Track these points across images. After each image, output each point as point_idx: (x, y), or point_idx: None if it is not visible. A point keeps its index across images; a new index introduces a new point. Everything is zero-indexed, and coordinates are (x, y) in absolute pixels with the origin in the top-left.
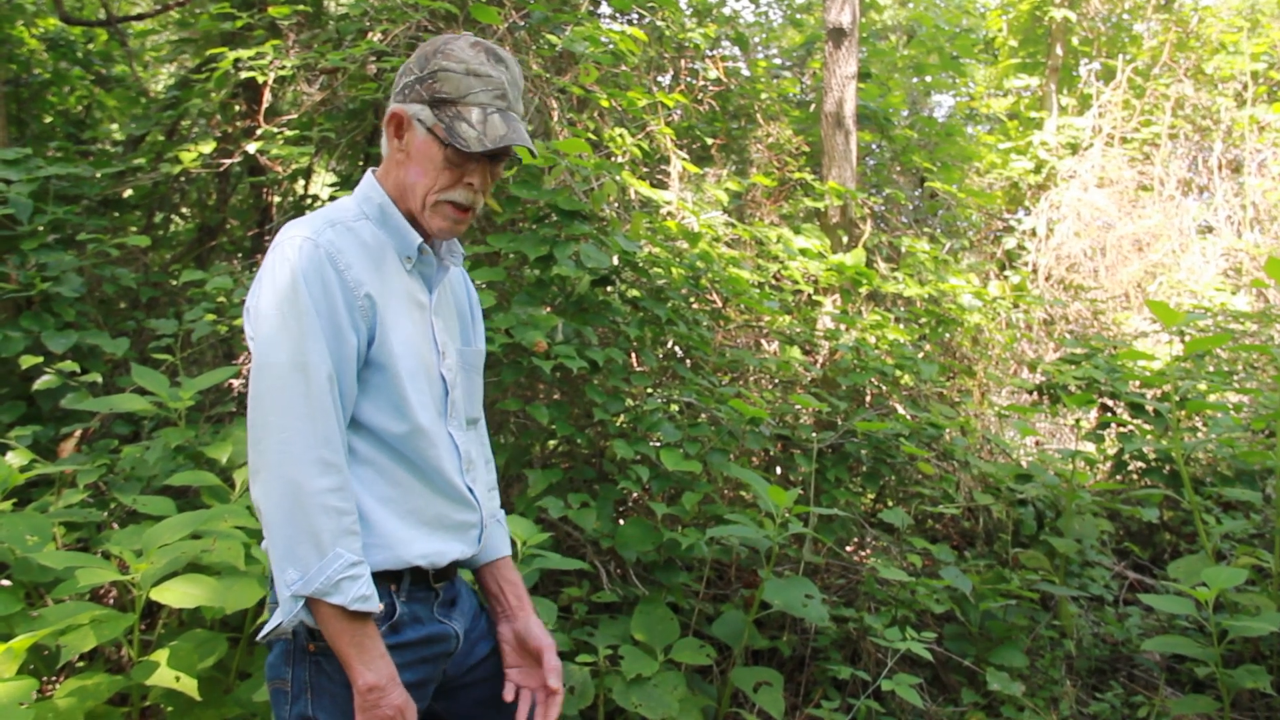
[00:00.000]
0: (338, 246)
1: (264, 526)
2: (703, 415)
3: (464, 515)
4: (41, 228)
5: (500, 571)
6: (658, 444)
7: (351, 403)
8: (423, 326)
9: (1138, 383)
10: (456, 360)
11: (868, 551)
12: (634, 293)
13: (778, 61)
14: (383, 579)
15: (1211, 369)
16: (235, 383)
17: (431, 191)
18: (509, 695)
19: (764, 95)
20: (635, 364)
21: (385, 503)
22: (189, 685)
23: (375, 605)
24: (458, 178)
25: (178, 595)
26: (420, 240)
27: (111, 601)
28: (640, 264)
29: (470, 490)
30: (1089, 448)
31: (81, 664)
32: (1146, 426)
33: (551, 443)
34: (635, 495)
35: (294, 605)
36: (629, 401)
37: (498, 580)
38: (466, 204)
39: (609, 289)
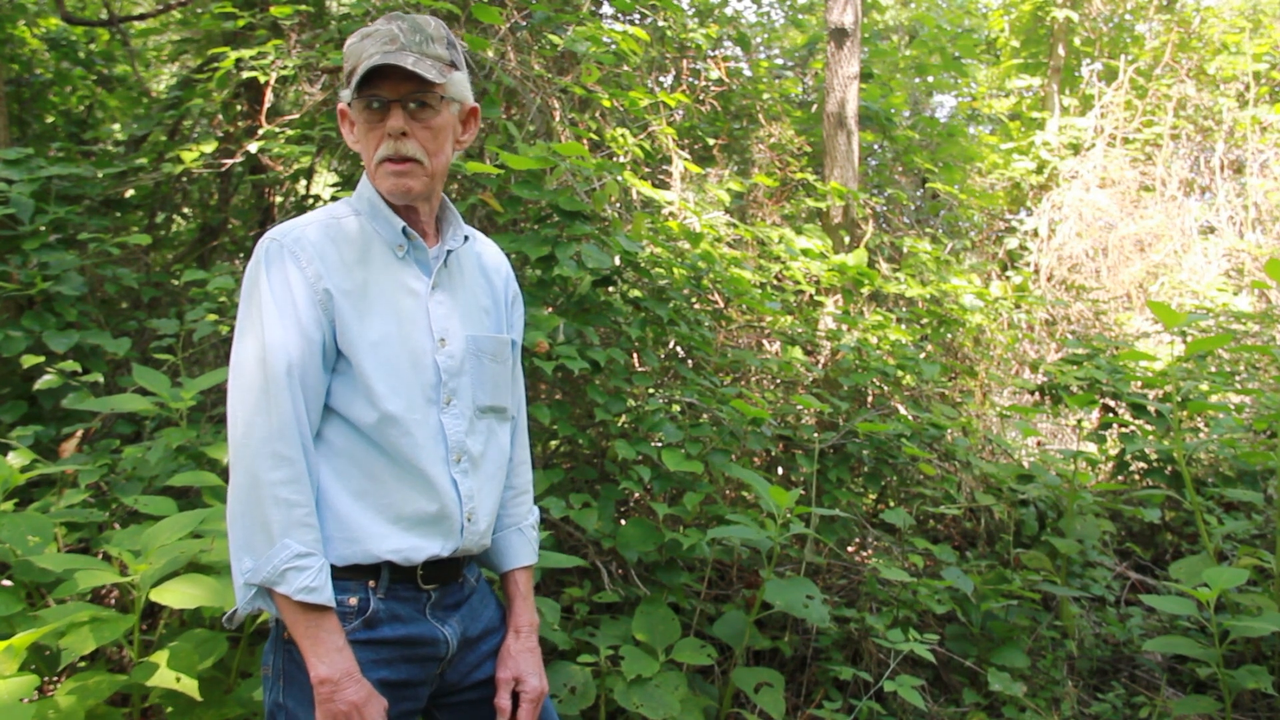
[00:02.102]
0: (300, 244)
1: (227, 516)
2: (704, 415)
3: (439, 509)
4: (43, 227)
5: (508, 586)
6: (659, 444)
7: (320, 395)
8: (415, 313)
9: (1139, 383)
10: (464, 347)
11: (869, 552)
12: (636, 293)
13: (780, 62)
14: (357, 573)
15: (1213, 369)
16: None
17: (371, 161)
18: None
19: (766, 95)
20: (637, 364)
21: (359, 497)
22: (189, 686)
23: (324, 598)
24: (381, 135)
25: (177, 596)
26: (403, 224)
27: (113, 602)
28: (642, 264)
29: (455, 483)
30: (1091, 448)
31: (83, 664)
32: (1148, 427)
33: (553, 443)
34: (637, 495)
35: (247, 593)
36: (630, 402)
37: (506, 593)
38: (394, 155)
39: (611, 289)
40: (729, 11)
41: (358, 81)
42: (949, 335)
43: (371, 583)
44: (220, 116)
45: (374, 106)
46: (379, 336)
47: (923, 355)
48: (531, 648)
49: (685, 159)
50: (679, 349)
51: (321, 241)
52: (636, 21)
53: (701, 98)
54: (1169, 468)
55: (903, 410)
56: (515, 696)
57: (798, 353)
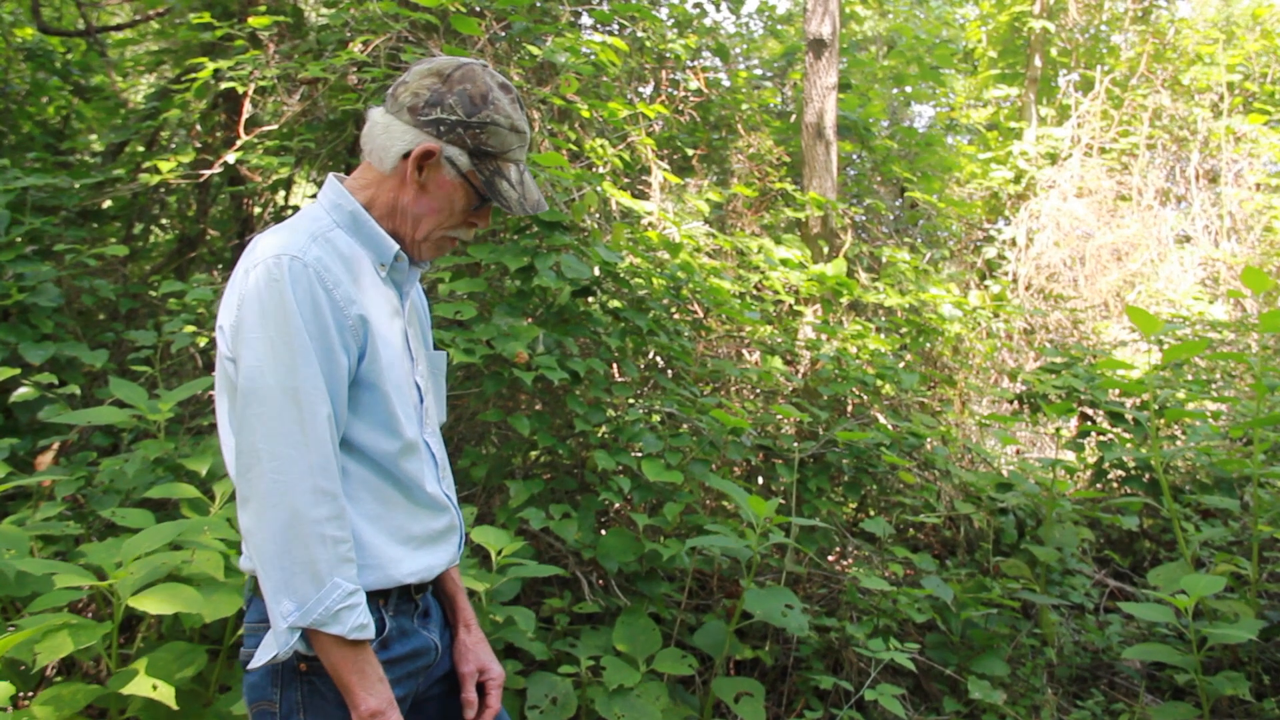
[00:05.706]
0: (324, 264)
1: (256, 557)
2: (684, 426)
3: (444, 522)
4: (19, 238)
5: (447, 584)
6: (639, 455)
7: (343, 425)
8: (401, 336)
9: (1117, 391)
10: (427, 366)
11: (849, 561)
12: (615, 303)
13: (758, 72)
14: (372, 596)
15: (1190, 378)
16: (214, 394)
17: (440, 228)
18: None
19: (745, 106)
20: (616, 375)
21: (374, 521)
22: (166, 694)
23: (372, 633)
24: (467, 221)
25: (156, 602)
26: (397, 247)
27: (90, 614)
28: (621, 275)
29: (448, 497)
30: (1069, 456)
31: (59, 677)
32: (1126, 435)
33: (533, 454)
34: (617, 506)
35: (290, 637)
36: (610, 412)
37: (445, 591)
38: (469, 240)
39: (590, 300)
40: (708, 22)
41: (503, 191)
42: (928, 344)
43: (382, 602)
44: (198, 127)
45: (487, 204)
46: (387, 361)
47: (902, 364)
48: (482, 638)
49: (664, 169)
50: (658, 359)
51: (334, 261)
52: (615, 32)
53: (680, 108)
54: (1147, 475)
55: (882, 419)
56: (480, 686)
57: (777, 362)
